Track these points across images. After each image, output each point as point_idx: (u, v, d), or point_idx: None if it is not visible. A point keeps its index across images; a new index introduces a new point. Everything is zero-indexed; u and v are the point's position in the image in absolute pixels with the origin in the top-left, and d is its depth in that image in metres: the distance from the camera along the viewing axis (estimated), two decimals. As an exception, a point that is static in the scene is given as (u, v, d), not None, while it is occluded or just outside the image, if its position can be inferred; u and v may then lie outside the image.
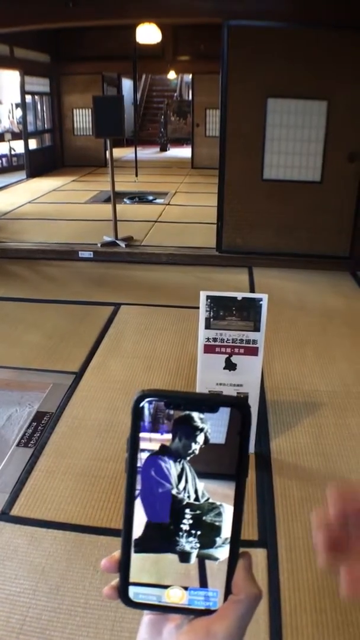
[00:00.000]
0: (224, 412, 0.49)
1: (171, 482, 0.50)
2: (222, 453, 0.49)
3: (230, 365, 2.58)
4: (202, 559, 0.50)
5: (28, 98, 11.83)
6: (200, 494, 0.50)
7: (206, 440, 0.49)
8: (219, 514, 0.50)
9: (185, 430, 0.49)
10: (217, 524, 0.50)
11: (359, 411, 3.25)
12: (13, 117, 15.29)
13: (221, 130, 5.64)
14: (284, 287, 5.31)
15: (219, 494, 0.50)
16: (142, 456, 0.50)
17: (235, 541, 0.51)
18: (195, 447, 0.49)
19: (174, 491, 0.50)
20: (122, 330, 4.31)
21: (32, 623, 1.93)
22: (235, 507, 0.50)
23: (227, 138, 5.63)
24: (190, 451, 0.49)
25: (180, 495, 0.50)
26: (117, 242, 6.27)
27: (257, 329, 2.51)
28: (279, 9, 5.23)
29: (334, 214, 5.74)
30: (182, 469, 0.50)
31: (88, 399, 3.33)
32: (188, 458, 0.50)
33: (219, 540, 0.50)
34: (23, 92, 11.53)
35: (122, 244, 6.25)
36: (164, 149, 17.99)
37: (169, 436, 0.49)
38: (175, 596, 0.51)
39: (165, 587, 0.51)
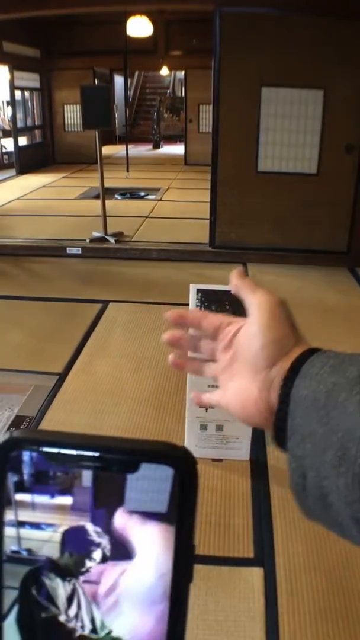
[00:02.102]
0: (152, 470, 0.30)
1: (58, 605, 0.32)
2: (146, 538, 0.31)
3: (223, 365, 2.37)
4: None
5: (17, 94, 11.61)
6: (98, 623, 0.31)
7: (104, 557, 0.31)
8: None
9: (77, 543, 0.31)
10: None
11: None
12: (3, 115, 15.07)
13: (214, 120, 5.44)
14: (279, 284, 5.11)
15: (132, 624, 0.32)
16: (18, 570, 0.31)
17: None
18: (90, 565, 0.31)
19: (62, 618, 0.31)
20: (110, 329, 4.10)
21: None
22: (170, 624, 0.31)
23: (220, 129, 5.43)
24: (84, 569, 0.31)
25: (71, 624, 0.31)
26: (107, 237, 6.07)
27: (252, 325, 2.30)
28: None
29: (331, 208, 5.55)
30: (74, 591, 0.31)
31: (71, 401, 3.12)
32: (81, 578, 0.31)
33: None
34: (12, 88, 11.31)
35: (112, 240, 6.05)
36: (157, 146, 17.82)
37: (60, 509, 0.31)
38: None
39: None
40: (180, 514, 0.30)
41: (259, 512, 2.33)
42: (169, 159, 14.73)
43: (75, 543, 0.31)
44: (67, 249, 5.88)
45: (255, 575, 2.04)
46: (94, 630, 0.31)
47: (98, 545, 0.31)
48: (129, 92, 19.58)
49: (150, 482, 0.30)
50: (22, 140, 12.06)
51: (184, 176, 11.47)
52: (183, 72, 13.79)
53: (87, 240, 6.04)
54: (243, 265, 5.57)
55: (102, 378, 3.41)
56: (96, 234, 6.13)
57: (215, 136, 5.49)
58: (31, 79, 12.16)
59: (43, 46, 12.10)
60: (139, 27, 9.28)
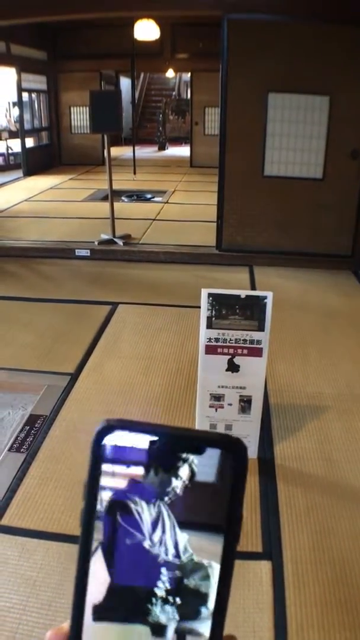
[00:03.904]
0: (213, 454, 0.37)
1: (143, 531, 0.38)
2: (211, 497, 0.38)
3: (232, 367, 2.46)
4: (181, 635, 0.38)
5: (25, 96, 11.69)
6: (181, 548, 0.37)
7: (192, 475, 0.37)
8: (206, 577, 0.38)
9: (164, 460, 0.37)
10: (202, 589, 0.38)
11: (365, 414, 3.14)
12: (10, 116, 15.17)
13: (221, 126, 5.52)
14: (285, 286, 5.19)
15: (205, 551, 0.37)
16: (105, 496, 0.38)
17: (221, 614, 0.38)
18: (177, 484, 0.37)
19: (147, 543, 0.38)
20: (120, 330, 4.19)
21: (23, 640, 1.81)
22: (222, 569, 0.38)
23: (227, 134, 5.51)
24: (170, 489, 0.37)
25: (155, 550, 0.37)
26: (115, 240, 6.15)
27: (261, 328, 2.39)
28: (281, 2, 5.14)
29: (336, 212, 5.62)
30: (158, 515, 0.37)
31: (83, 401, 3.20)
32: (166, 499, 0.37)
33: (204, 612, 0.38)
34: (20, 90, 11.40)
35: (120, 242, 6.13)
36: (162, 148, 17.88)
37: (141, 469, 0.38)
38: None
39: None
40: (233, 487, 0.38)
41: (266, 508, 2.41)
42: (175, 161, 14.79)
43: (161, 459, 0.37)
44: (76, 251, 5.96)
45: (263, 568, 2.12)
46: (177, 555, 0.37)
47: (185, 461, 0.37)
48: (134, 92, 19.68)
49: (213, 462, 0.38)
50: (29, 142, 12.14)
51: (190, 178, 11.53)
52: (189, 74, 13.84)
53: (96, 243, 6.12)
54: (249, 267, 5.66)
55: (112, 378, 3.49)
56: (104, 237, 6.21)
57: (222, 141, 5.57)
58: (38, 81, 12.24)
59: (50, 48, 12.18)
60: (146, 30, 9.34)
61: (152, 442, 0.37)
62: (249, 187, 5.65)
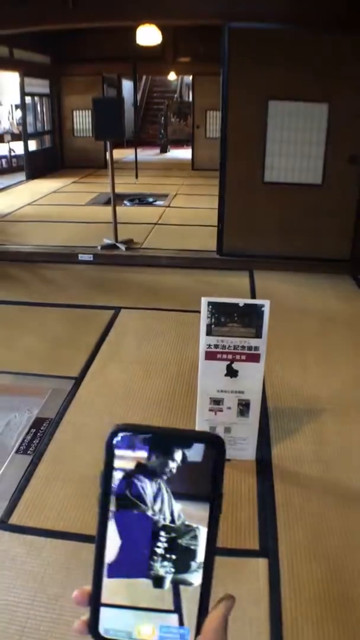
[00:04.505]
0: (200, 446, 0.48)
1: (147, 502, 0.48)
2: (198, 474, 0.49)
3: (231, 372, 2.56)
4: (176, 584, 0.49)
5: (28, 99, 11.80)
6: (176, 515, 0.48)
7: (184, 458, 0.48)
8: (195, 537, 0.49)
9: (163, 447, 0.48)
10: (192, 547, 0.49)
11: (360, 417, 3.23)
12: (13, 119, 15.27)
13: (222, 132, 5.62)
14: (285, 291, 5.28)
15: (194, 517, 0.49)
16: (117, 475, 0.49)
17: (209, 567, 0.50)
18: (173, 466, 0.48)
19: (150, 512, 0.49)
20: (122, 335, 4.29)
21: (31, 634, 1.90)
22: (209, 531, 0.49)
23: (227, 140, 5.61)
24: (167, 469, 0.48)
25: (156, 517, 0.48)
26: (117, 244, 6.25)
27: (258, 335, 2.49)
28: (280, 11, 5.21)
29: (335, 217, 5.72)
30: (159, 489, 0.48)
31: (87, 405, 3.30)
32: (165, 477, 0.48)
33: (194, 565, 0.49)
34: (23, 94, 11.51)
35: (122, 247, 6.23)
36: (164, 150, 17.97)
37: (145, 454, 0.48)
38: (146, 633, 0.49)
39: (138, 611, 0.49)
40: (214, 472, 0.49)
41: (263, 507, 2.51)
42: (177, 163, 14.88)
43: (160, 447, 0.48)
44: (79, 255, 6.06)
45: (260, 565, 2.21)
46: (172, 520, 0.48)
47: (179, 447, 0.48)
48: (136, 95, 19.77)
49: (200, 451, 0.49)
50: (32, 145, 12.26)
51: (192, 182, 11.62)
52: (191, 77, 13.92)
53: (99, 247, 6.22)
54: (249, 272, 5.75)
55: (115, 382, 3.58)
56: (107, 241, 6.31)
57: (222, 147, 5.66)
58: (41, 85, 12.34)
59: (53, 53, 12.26)
60: (148, 35, 9.43)
61: (153, 438, 0.49)
62: (249, 193, 5.75)
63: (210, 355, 2.54)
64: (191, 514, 0.48)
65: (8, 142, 13.56)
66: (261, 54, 5.31)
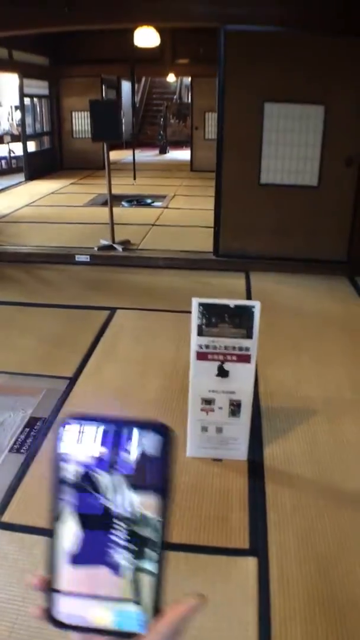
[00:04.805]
0: (152, 436, 0.50)
1: (104, 494, 0.50)
2: (151, 464, 0.50)
3: (222, 373, 2.58)
4: (134, 572, 0.51)
5: (27, 101, 11.83)
6: (133, 506, 0.50)
7: (140, 451, 0.50)
8: (152, 527, 0.50)
9: (118, 440, 0.50)
10: (149, 537, 0.50)
11: (354, 418, 3.24)
12: (12, 120, 15.30)
13: (218, 134, 5.64)
14: (280, 292, 5.30)
15: (150, 506, 0.50)
16: (74, 468, 0.51)
17: (163, 555, 0.51)
18: (127, 456, 0.50)
19: (108, 503, 0.50)
20: (117, 335, 4.30)
21: (20, 631, 1.92)
22: (161, 519, 0.51)
23: (224, 142, 5.63)
24: (123, 462, 0.50)
25: (114, 508, 0.50)
26: (114, 245, 6.27)
27: (249, 336, 2.50)
28: (276, 14, 5.24)
29: (331, 218, 5.74)
30: (115, 480, 0.50)
31: (81, 405, 3.32)
32: (120, 468, 0.50)
33: (151, 554, 0.51)
34: (22, 95, 11.54)
35: (119, 248, 6.25)
36: (163, 151, 18.00)
37: (103, 448, 0.50)
38: (103, 618, 0.51)
39: (97, 600, 0.51)
40: (164, 458, 0.50)
41: (254, 507, 2.52)
42: (176, 165, 14.91)
43: (116, 440, 0.50)
44: (76, 256, 6.08)
45: (249, 564, 2.23)
46: (130, 511, 0.50)
47: (134, 440, 0.50)
48: (135, 96, 19.78)
49: (152, 441, 0.51)
50: (31, 146, 12.28)
51: (190, 183, 11.64)
52: (189, 78, 13.95)
53: (95, 248, 6.24)
54: (245, 273, 5.76)
55: (109, 382, 3.61)
56: (104, 242, 6.33)
57: (219, 149, 5.68)
58: (40, 87, 12.38)
59: (51, 54, 12.30)
60: (147, 37, 9.45)
61: (106, 428, 0.51)
62: (246, 195, 5.77)
63: (201, 356, 2.56)
64: (147, 504, 0.50)
65: (8, 143, 13.59)
66: (257, 56, 5.34)
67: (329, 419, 3.24)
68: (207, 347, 2.54)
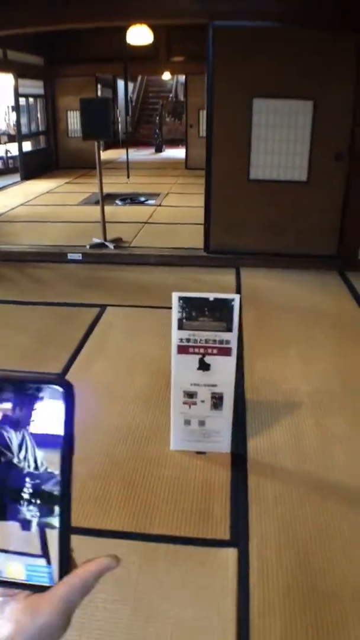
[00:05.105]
0: (55, 392, 0.51)
1: (12, 451, 0.51)
2: (55, 420, 0.51)
3: (203, 366, 2.59)
4: (42, 527, 0.52)
5: (22, 100, 11.85)
6: (39, 462, 0.51)
7: (43, 407, 0.50)
8: (57, 483, 0.51)
9: (25, 399, 0.51)
10: (55, 492, 0.51)
11: (338, 411, 3.26)
12: (8, 120, 15.32)
13: (207, 130, 5.66)
14: (270, 287, 5.31)
15: (55, 463, 0.51)
16: None
17: (66, 509, 0.52)
18: (31, 414, 0.51)
19: (15, 460, 0.51)
20: (107, 332, 4.32)
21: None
22: (62, 473, 0.51)
23: (213, 138, 5.64)
24: (31, 419, 0.51)
25: (21, 464, 0.51)
26: (106, 243, 6.28)
27: (229, 329, 2.52)
28: (265, 9, 5.25)
29: (321, 214, 5.75)
30: (23, 438, 0.51)
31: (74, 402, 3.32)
32: (28, 427, 0.51)
33: (57, 509, 0.52)
34: (17, 95, 11.55)
35: (111, 246, 6.26)
36: (159, 149, 18.01)
37: (9, 405, 0.51)
38: (14, 571, 0.52)
39: (8, 554, 0.52)
40: (66, 413, 0.51)
41: (236, 499, 2.54)
42: (170, 163, 14.92)
43: (23, 399, 0.50)
44: (68, 255, 6.10)
45: (230, 555, 2.25)
46: (36, 467, 0.50)
47: (41, 399, 0.50)
48: (132, 95, 19.80)
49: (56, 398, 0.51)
50: (27, 146, 12.30)
51: (184, 180, 11.66)
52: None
53: (87, 247, 6.25)
54: (236, 269, 5.78)
55: (98, 378, 3.62)
56: (96, 240, 6.34)
57: (208, 145, 5.69)
58: (35, 86, 12.40)
59: (46, 54, 12.31)
60: (140, 35, 9.45)
61: (8, 386, 0.51)
62: (236, 191, 5.78)
63: (182, 349, 2.57)
64: (53, 460, 0.51)
65: (4, 143, 13.61)
66: (246, 52, 5.35)
67: (315, 412, 3.25)
68: (187, 340, 2.55)
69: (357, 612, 2.01)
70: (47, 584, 0.52)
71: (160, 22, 8.50)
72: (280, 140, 5.56)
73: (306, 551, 2.27)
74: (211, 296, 2.48)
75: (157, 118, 18.26)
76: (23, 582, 0.52)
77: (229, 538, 2.34)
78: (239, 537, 2.33)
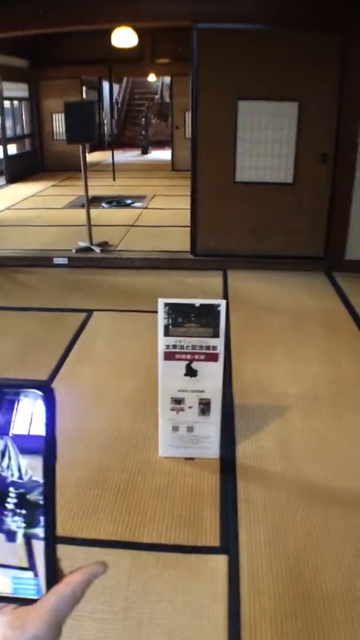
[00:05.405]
0: (34, 397, 0.50)
1: None
2: (37, 427, 0.50)
3: (190, 372, 2.58)
4: (28, 538, 0.50)
5: (7, 103, 11.79)
6: (23, 471, 0.50)
7: (25, 413, 0.49)
8: (40, 491, 0.50)
9: (5, 405, 0.49)
10: (40, 502, 0.50)
11: (327, 414, 3.26)
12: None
13: (193, 132, 5.65)
14: (257, 289, 5.32)
15: (37, 470, 0.50)
16: None
17: (50, 518, 0.51)
18: (13, 420, 0.49)
19: None
20: (94, 337, 4.30)
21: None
22: (45, 480, 0.50)
23: (198, 140, 5.63)
24: (9, 425, 0.49)
25: (4, 473, 0.50)
26: (92, 247, 6.26)
27: (216, 335, 2.51)
28: (249, 11, 5.26)
29: (308, 215, 5.76)
30: (5, 446, 0.50)
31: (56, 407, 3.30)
32: (10, 434, 0.50)
33: (42, 519, 0.50)
34: (1, 98, 11.49)
35: (97, 250, 6.24)
36: (145, 151, 17.98)
37: None
38: (1, 584, 0.51)
39: None
40: (47, 417, 0.49)
41: (225, 505, 2.53)
42: (157, 165, 14.90)
43: (4, 405, 0.49)
44: (54, 259, 6.07)
45: (220, 562, 2.24)
46: (20, 476, 0.49)
47: (19, 404, 0.49)
48: (117, 97, 19.78)
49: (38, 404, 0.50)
50: (12, 149, 12.24)
51: (171, 182, 11.64)
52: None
53: (73, 251, 6.23)
54: (223, 272, 5.77)
55: (85, 384, 3.60)
56: (82, 244, 6.32)
57: (194, 147, 5.69)
58: (20, 89, 12.36)
59: (31, 57, 12.26)
60: (124, 38, 9.44)
61: None
62: (221, 193, 5.78)
63: (169, 356, 2.56)
64: (34, 467, 0.50)
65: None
66: (230, 54, 5.35)
67: (303, 415, 3.25)
68: (174, 347, 2.54)
69: (347, 617, 2.00)
70: (34, 597, 0.51)
71: (144, 25, 8.47)
72: (266, 142, 5.56)
73: (296, 556, 2.27)
74: (197, 302, 2.47)
75: (143, 120, 18.23)
76: (9, 595, 0.51)
77: (219, 545, 2.33)
78: (229, 544, 2.33)
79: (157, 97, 20.64)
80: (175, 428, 2.73)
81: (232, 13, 5.28)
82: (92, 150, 15.79)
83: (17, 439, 0.49)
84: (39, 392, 0.50)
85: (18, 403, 0.49)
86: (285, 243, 5.86)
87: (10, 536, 0.50)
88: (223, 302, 2.46)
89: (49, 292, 5.33)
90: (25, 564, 0.51)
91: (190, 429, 2.72)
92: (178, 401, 2.66)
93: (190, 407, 2.67)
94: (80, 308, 4.81)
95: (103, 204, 9.33)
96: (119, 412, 3.27)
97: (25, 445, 0.50)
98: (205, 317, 2.48)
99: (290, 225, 5.79)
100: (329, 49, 5.24)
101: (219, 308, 2.47)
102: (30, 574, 0.51)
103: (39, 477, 0.50)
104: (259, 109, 5.47)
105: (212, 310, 2.47)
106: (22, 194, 10.56)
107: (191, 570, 2.21)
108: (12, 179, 11.92)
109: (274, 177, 5.67)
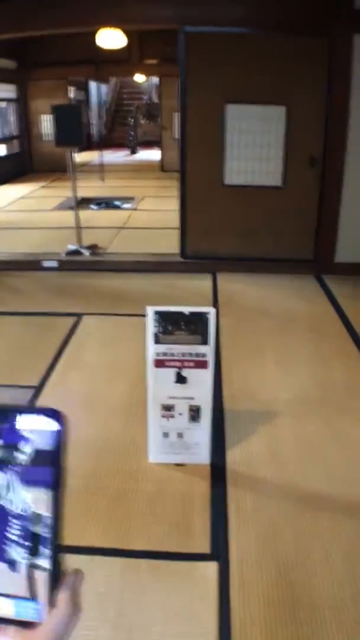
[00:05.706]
0: (45, 428, 0.51)
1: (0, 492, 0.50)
2: (45, 459, 0.51)
3: (180, 379, 2.59)
4: (30, 569, 0.52)
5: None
6: (27, 504, 0.50)
7: (35, 450, 0.50)
8: (45, 525, 0.51)
9: (11, 439, 0.50)
10: (43, 534, 0.51)
11: (317, 419, 3.27)
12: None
13: (181, 135, 5.65)
14: (247, 292, 5.33)
15: (42, 503, 0.51)
16: None
17: (55, 550, 0.52)
18: (22, 458, 0.50)
19: (2, 502, 0.50)
20: (84, 341, 4.30)
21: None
22: (53, 509, 0.52)
23: (187, 144, 5.64)
24: (18, 461, 0.50)
25: (8, 506, 0.50)
26: (81, 250, 6.25)
27: (205, 342, 2.52)
28: (235, 15, 5.26)
29: (297, 218, 5.78)
30: (9, 479, 0.50)
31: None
32: (14, 466, 0.50)
33: (45, 551, 0.51)
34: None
35: (86, 253, 6.23)
36: (133, 152, 17.97)
37: None
38: (3, 607, 0.52)
39: None
40: (57, 445, 0.51)
41: (216, 511, 2.54)
42: (146, 165, 14.90)
43: (9, 438, 0.50)
44: (43, 262, 6.05)
45: (210, 568, 2.25)
46: (24, 508, 0.51)
47: (27, 440, 0.50)
48: (106, 97, 19.73)
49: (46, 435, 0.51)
50: (1, 151, 12.21)
51: (160, 183, 11.64)
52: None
53: (63, 254, 6.21)
54: (212, 275, 5.78)
55: (75, 389, 3.59)
56: (71, 247, 6.30)
57: (182, 150, 5.69)
58: (7, 90, 12.31)
59: (19, 57, 12.21)
60: (112, 38, 9.41)
61: None
62: (210, 196, 5.78)
63: (158, 363, 2.57)
64: (39, 501, 0.51)
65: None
66: (218, 58, 5.36)
67: (293, 420, 3.26)
68: (164, 354, 2.55)
69: (338, 623, 2.02)
70: (35, 621, 0.52)
71: (131, 27, 8.46)
72: (254, 146, 5.57)
73: (286, 562, 2.28)
74: (187, 310, 2.48)
75: (132, 120, 18.21)
76: (13, 618, 0.52)
77: (209, 551, 2.34)
78: (219, 550, 2.33)
79: (145, 97, 20.62)
80: (165, 434, 2.74)
81: (219, 17, 5.29)
82: (80, 150, 15.77)
83: (22, 470, 0.50)
84: (50, 418, 0.51)
85: (26, 433, 0.51)
86: (275, 246, 5.88)
87: (14, 566, 0.52)
88: (213, 310, 2.47)
89: (38, 296, 5.32)
90: (27, 594, 0.52)
91: (180, 435, 2.73)
92: (168, 408, 2.67)
93: (180, 414, 2.68)
94: (70, 312, 4.80)
95: (92, 206, 9.31)
96: (109, 416, 3.27)
97: (31, 477, 0.50)
98: (195, 325, 2.49)
99: (279, 228, 5.81)
100: (316, 53, 5.26)
101: (208, 315, 2.47)
102: (32, 602, 0.52)
103: (43, 511, 0.50)
104: (247, 113, 5.48)
105: (201, 317, 2.48)
106: (10, 196, 10.52)
107: (182, 578, 2.22)
108: (0, 181, 11.87)
109: (263, 180, 5.68)
